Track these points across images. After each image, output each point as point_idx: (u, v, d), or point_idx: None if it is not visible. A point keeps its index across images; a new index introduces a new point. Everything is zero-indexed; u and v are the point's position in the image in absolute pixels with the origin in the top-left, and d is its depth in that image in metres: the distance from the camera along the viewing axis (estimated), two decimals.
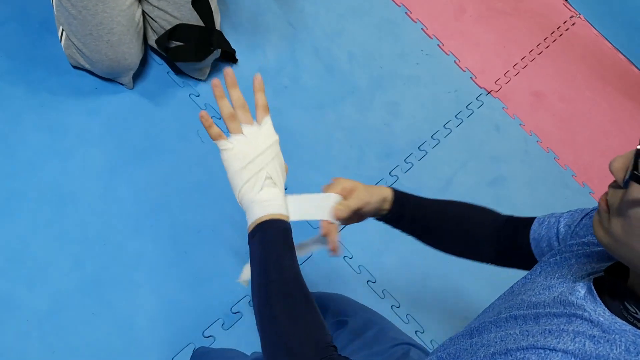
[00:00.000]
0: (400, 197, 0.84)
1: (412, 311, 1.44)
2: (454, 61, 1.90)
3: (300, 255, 0.75)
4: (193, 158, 1.43)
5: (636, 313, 0.50)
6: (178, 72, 1.52)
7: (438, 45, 1.91)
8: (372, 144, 1.64)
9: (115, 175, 1.35)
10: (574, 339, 0.49)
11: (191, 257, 1.32)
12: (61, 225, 1.27)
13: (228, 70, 0.75)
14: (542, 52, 2.05)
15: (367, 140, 1.64)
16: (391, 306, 1.43)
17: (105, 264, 1.26)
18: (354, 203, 0.79)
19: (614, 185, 0.51)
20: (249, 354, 1.04)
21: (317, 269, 1.41)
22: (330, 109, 1.65)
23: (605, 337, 0.48)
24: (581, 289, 0.55)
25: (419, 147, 1.69)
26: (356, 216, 0.81)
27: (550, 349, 0.48)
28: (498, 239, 0.84)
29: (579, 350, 0.48)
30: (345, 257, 1.45)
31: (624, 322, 0.50)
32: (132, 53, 1.35)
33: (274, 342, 0.64)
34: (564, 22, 2.16)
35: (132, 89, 1.46)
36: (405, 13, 1.93)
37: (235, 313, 1.29)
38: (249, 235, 0.72)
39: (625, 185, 0.48)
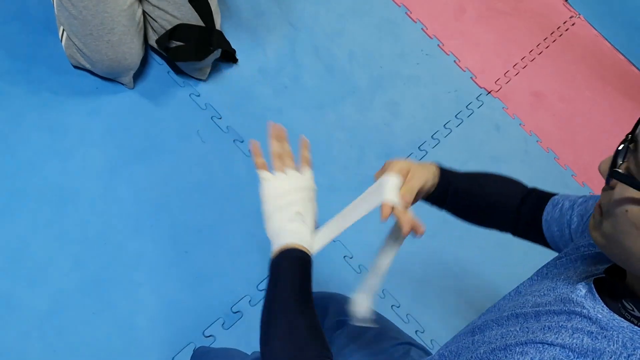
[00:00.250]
0: (445, 171, 0.81)
1: (412, 311, 1.44)
2: (454, 61, 1.90)
3: (391, 255, 0.73)
4: (193, 158, 1.43)
5: (633, 310, 0.50)
6: (178, 71, 1.52)
7: (438, 45, 1.91)
8: (372, 144, 1.64)
9: (116, 174, 1.36)
10: (572, 334, 0.50)
11: (191, 256, 1.33)
12: (61, 224, 1.27)
13: (280, 127, 0.80)
14: (542, 52, 2.05)
15: (367, 140, 1.64)
16: (391, 306, 1.43)
17: (105, 264, 1.26)
18: (416, 183, 0.74)
19: (605, 188, 0.53)
20: (249, 354, 1.04)
21: (317, 269, 1.40)
22: (331, 109, 1.65)
23: (603, 333, 0.49)
24: (582, 288, 0.56)
25: (419, 147, 1.69)
26: (415, 198, 0.76)
27: (548, 344, 0.49)
28: (519, 211, 0.82)
29: (577, 345, 0.48)
30: (346, 257, 1.45)
31: (621, 319, 0.50)
32: (133, 53, 1.35)
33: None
34: (564, 22, 2.16)
35: (133, 88, 1.46)
36: (406, 13, 1.93)
37: (235, 313, 1.29)
38: (270, 260, 0.73)
39: (608, 182, 0.50)
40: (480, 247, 1.58)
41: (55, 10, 1.29)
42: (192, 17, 1.37)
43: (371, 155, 1.62)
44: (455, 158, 1.70)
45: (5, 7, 1.44)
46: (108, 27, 1.28)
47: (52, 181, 1.31)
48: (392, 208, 0.71)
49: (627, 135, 0.49)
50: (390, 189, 0.72)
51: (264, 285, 1.34)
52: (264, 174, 0.77)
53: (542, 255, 0.82)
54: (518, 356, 0.50)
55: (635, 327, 0.49)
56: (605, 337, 0.49)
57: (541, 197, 0.82)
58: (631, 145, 0.48)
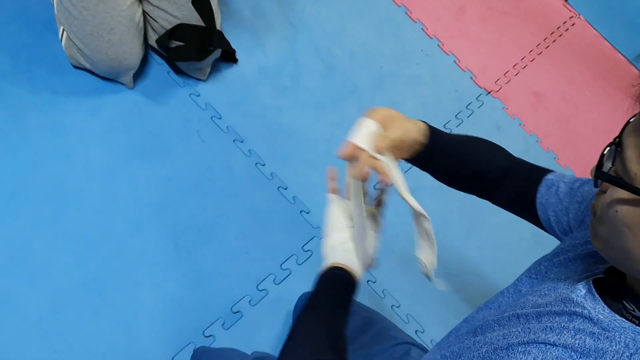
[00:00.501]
0: (434, 129, 0.77)
1: (412, 311, 1.44)
2: (454, 61, 1.90)
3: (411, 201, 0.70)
4: (193, 158, 1.43)
5: (634, 311, 0.50)
6: (178, 71, 1.52)
7: (438, 45, 1.91)
8: None
9: (116, 174, 1.36)
10: (574, 335, 0.50)
11: (192, 256, 1.33)
12: (62, 224, 1.27)
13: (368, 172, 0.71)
14: (542, 52, 2.05)
15: None
16: (391, 306, 1.43)
17: (106, 263, 1.26)
18: (394, 133, 0.70)
19: (598, 192, 0.54)
20: (249, 354, 1.04)
21: (317, 269, 1.41)
22: (331, 108, 1.65)
23: (605, 334, 0.49)
24: (582, 288, 0.56)
25: None
26: (397, 151, 0.73)
27: (550, 344, 0.50)
28: (500, 183, 0.80)
29: (579, 346, 0.49)
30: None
31: (623, 319, 0.50)
32: (133, 53, 1.35)
33: None
34: (564, 23, 2.17)
35: (133, 88, 1.46)
36: (406, 13, 1.93)
37: (235, 313, 1.30)
38: (319, 274, 0.74)
39: (596, 185, 0.52)
40: (480, 248, 1.58)
41: (55, 10, 1.30)
42: (192, 18, 1.37)
43: None
44: None
45: (5, 7, 1.44)
46: (108, 27, 1.28)
47: (53, 180, 1.31)
48: (356, 149, 0.69)
49: (614, 139, 0.50)
50: (361, 133, 0.69)
51: (264, 285, 1.35)
52: (333, 198, 0.79)
53: (542, 255, 0.82)
54: (521, 355, 0.50)
55: (637, 327, 0.49)
56: (607, 337, 0.49)
57: (530, 174, 0.79)
58: (619, 149, 0.49)
